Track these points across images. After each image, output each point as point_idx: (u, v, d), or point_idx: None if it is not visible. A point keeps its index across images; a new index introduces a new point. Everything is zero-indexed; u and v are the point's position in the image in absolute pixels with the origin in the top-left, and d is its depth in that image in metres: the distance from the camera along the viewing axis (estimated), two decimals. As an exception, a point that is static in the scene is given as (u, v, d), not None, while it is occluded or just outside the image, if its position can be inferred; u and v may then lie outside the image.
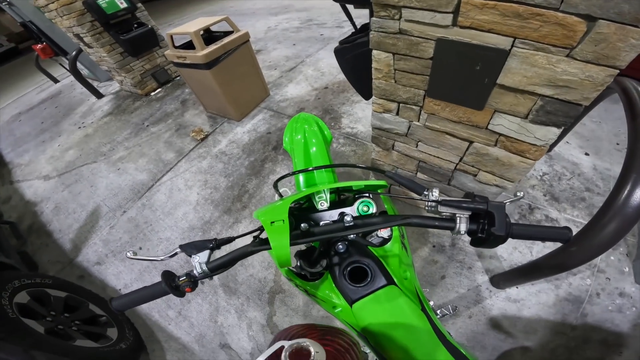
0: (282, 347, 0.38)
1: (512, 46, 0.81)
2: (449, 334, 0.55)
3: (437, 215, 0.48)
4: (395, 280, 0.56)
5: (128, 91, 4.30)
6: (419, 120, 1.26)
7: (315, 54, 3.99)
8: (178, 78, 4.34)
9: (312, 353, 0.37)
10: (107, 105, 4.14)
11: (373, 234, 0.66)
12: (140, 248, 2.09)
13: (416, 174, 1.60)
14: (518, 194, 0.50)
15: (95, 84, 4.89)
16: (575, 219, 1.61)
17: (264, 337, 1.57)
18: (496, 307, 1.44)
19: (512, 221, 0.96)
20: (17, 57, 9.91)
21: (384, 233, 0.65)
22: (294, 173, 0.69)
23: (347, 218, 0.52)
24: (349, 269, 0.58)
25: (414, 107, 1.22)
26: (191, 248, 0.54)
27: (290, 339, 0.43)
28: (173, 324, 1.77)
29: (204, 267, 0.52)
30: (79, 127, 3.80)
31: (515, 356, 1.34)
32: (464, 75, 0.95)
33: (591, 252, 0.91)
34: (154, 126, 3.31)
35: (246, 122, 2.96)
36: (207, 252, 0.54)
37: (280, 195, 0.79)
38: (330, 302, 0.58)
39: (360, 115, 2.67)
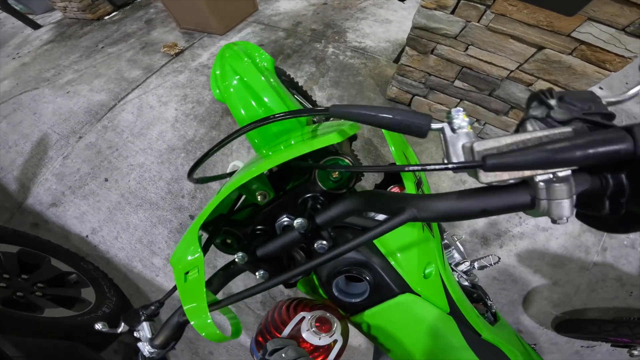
0: (303, 317, 0.40)
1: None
2: (491, 326, 0.47)
3: (485, 183, 0.25)
4: (411, 285, 0.42)
5: (74, 18, 3.55)
6: (479, 21, 1.17)
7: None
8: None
9: (334, 322, 0.40)
10: (46, 35, 3.39)
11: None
12: (106, 180, 1.62)
13: (453, 82, 1.47)
14: None
15: (30, 17, 4.00)
16: None
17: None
18: (526, 236, 1.45)
19: None
20: None
21: None
22: (213, 149, 0.42)
23: (299, 223, 0.36)
24: (337, 279, 0.43)
25: (479, 5, 1.12)
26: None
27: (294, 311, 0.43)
28: (161, 274, 1.46)
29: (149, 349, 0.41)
30: (13, 58, 3.07)
31: (544, 292, 1.39)
32: None
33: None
34: (111, 47, 2.66)
35: (232, 35, 2.42)
36: (146, 324, 0.45)
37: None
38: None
39: (367, 31, 2.35)
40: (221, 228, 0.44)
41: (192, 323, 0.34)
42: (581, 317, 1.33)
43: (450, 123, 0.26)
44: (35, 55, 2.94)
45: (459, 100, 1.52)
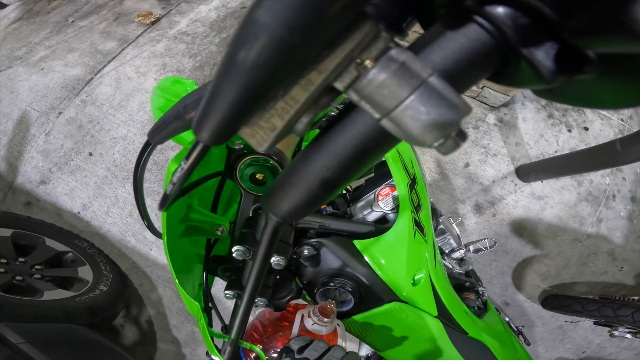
0: (302, 315, 0.41)
1: None
2: (481, 323, 0.49)
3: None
4: (398, 294, 0.42)
5: (42, -9, 3.27)
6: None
7: None
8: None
9: (332, 309, 0.40)
10: (13, 13, 3.16)
11: (361, 211, 0.48)
12: (91, 154, 1.60)
13: None
14: None
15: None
16: (600, 111, 1.56)
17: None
18: (520, 205, 1.38)
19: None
20: None
21: (384, 204, 0.46)
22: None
23: (236, 252, 0.37)
24: (320, 289, 0.43)
25: None
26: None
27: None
28: (155, 247, 1.46)
29: None
30: None
31: (534, 264, 1.36)
32: None
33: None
34: (82, 20, 2.51)
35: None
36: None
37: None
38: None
39: None
40: (203, 273, 0.44)
41: None
42: (567, 293, 1.32)
43: None
44: (4, 35, 2.78)
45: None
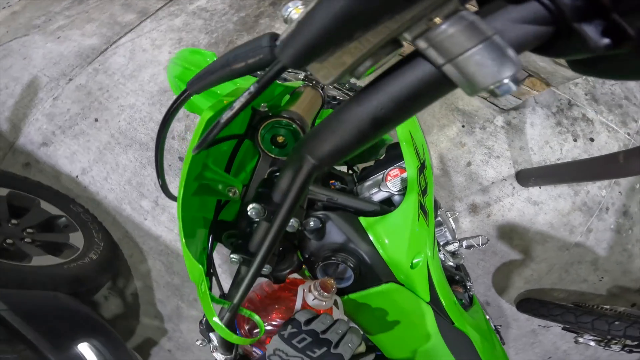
0: (303, 289, 0.42)
1: None
2: (466, 315, 0.49)
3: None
4: (396, 275, 0.42)
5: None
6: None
7: None
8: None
9: (332, 284, 0.41)
10: None
11: (368, 190, 0.48)
12: (96, 120, 1.56)
13: None
14: None
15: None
16: (609, 124, 1.55)
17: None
18: (515, 208, 1.40)
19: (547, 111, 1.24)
20: None
21: (392, 184, 0.46)
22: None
23: (252, 210, 0.37)
24: (321, 264, 0.43)
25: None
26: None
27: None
28: (150, 217, 1.42)
29: None
30: (3, 8, 2.92)
31: (519, 267, 1.38)
32: None
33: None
34: (105, -6, 2.52)
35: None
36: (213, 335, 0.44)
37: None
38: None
39: None
40: (209, 237, 0.44)
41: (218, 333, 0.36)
42: (543, 298, 1.33)
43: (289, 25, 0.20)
44: (25, 4, 2.81)
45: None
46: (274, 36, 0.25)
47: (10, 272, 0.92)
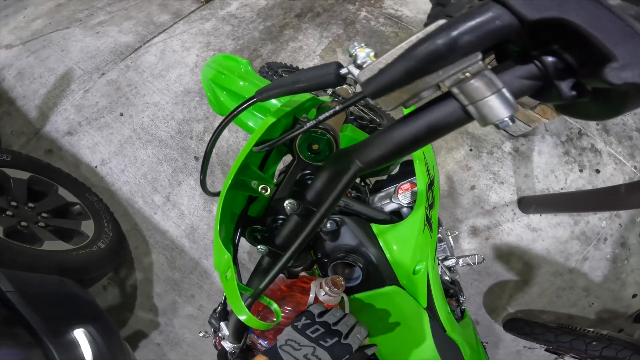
0: (316, 285, 0.45)
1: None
2: (458, 326, 0.51)
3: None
4: (399, 279, 0.47)
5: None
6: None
7: None
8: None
9: (342, 281, 0.45)
10: None
11: (380, 201, 0.54)
12: (122, 114, 1.62)
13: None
14: None
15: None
16: (617, 155, 1.54)
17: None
18: (514, 233, 1.43)
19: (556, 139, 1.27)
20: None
21: (402, 197, 0.51)
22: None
23: (288, 205, 0.43)
24: (333, 263, 0.48)
25: None
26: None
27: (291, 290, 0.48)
28: (160, 212, 1.45)
29: None
30: None
31: (511, 289, 1.41)
32: None
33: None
34: (145, -7, 2.65)
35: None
36: (222, 324, 0.49)
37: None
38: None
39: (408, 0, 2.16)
40: (239, 229, 0.47)
41: (241, 319, 0.37)
42: (527, 318, 1.33)
43: (354, 61, 0.27)
44: (73, -3, 2.99)
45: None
46: (340, 66, 0.30)
47: (22, 254, 0.95)
